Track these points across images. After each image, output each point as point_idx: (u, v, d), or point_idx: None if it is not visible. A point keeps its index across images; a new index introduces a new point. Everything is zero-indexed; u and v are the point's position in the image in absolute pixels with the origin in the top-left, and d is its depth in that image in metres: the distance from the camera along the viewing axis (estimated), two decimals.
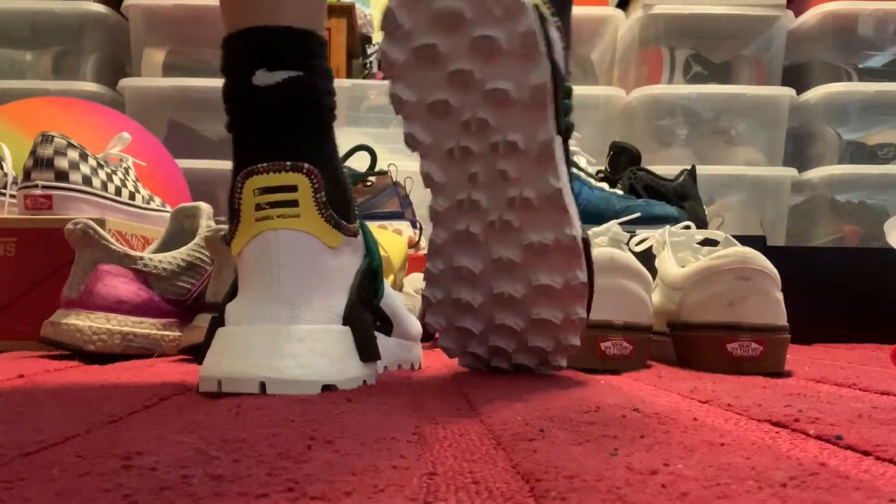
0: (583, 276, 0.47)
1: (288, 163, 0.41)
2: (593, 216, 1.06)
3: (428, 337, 0.69)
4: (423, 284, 0.53)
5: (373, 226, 0.51)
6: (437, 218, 0.50)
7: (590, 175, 1.18)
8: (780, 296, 0.61)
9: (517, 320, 0.50)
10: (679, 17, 1.62)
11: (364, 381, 0.44)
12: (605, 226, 0.66)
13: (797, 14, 1.63)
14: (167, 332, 0.70)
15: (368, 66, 1.91)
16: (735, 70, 1.68)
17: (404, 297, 0.87)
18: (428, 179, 0.49)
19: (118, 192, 0.90)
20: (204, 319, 0.64)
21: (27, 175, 0.81)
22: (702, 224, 1.16)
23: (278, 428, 0.28)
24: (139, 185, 0.95)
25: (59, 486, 0.20)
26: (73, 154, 0.83)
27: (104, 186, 0.87)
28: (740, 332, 0.59)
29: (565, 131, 0.47)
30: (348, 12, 1.76)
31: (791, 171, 1.59)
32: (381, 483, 0.20)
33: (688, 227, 0.76)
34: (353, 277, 0.45)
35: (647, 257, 0.70)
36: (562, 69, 0.48)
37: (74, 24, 1.57)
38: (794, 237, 1.64)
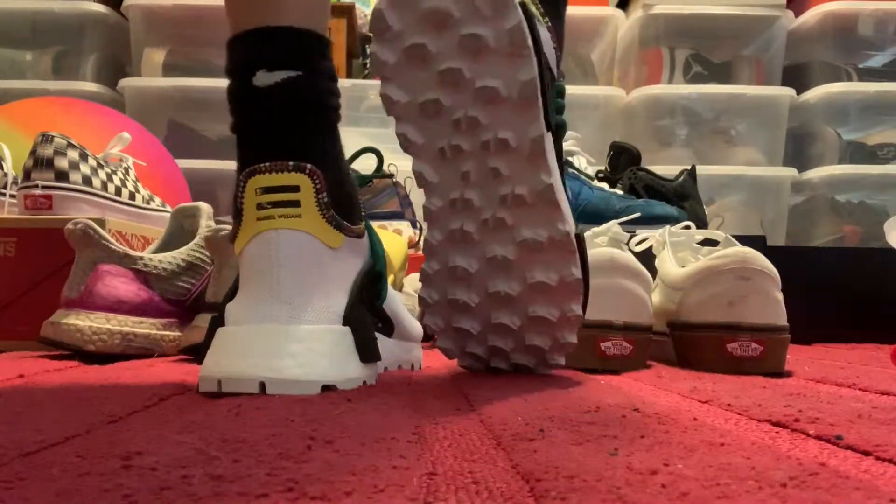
0: (577, 272, 0.47)
1: (290, 163, 0.41)
2: (593, 216, 1.06)
3: (428, 337, 0.69)
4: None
5: (373, 226, 0.51)
6: (432, 218, 0.50)
7: (589, 176, 1.18)
8: (780, 296, 0.61)
9: (514, 319, 0.50)
10: (679, 17, 1.62)
11: (364, 382, 0.44)
12: (605, 226, 0.66)
13: (797, 14, 1.63)
14: (167, 332, 0.70)
15: (368, 66, 1.91)
16: (735, 70, 1.68)
17: (404, 297, 0.87)
18: (421, 179, 0.49)
19: (118, 192, 0.90)
20: (204, 319, 0.64)
21: (27, 175, 0.81)
22: (702, 224, 1.16)
23: (278, 428, 0.28)
24: (139, 185, 0.95)
25: (59, 486, 0.20)
26: (73, 154, 0.83)
27: (104, 186, 0.87)
28: (740, 332, 0.59)
29: (556, 129, 0.47)
30: (348, 12, 1.76)
31: (791, 171, 1.59)
32: (381, 483, 0.20)
33: (688, 227, 0.76)
34: (354, 278, 0.45)
35: (647, 257, 0.70)
36: (553, 68, 0.48)
37: (74, 24, 1.57)
38: (794, 237, 1.64)
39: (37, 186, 0.81)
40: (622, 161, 1.26)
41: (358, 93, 1.59)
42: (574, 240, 0.47)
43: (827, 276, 1.13)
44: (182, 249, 0.73)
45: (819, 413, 0.35)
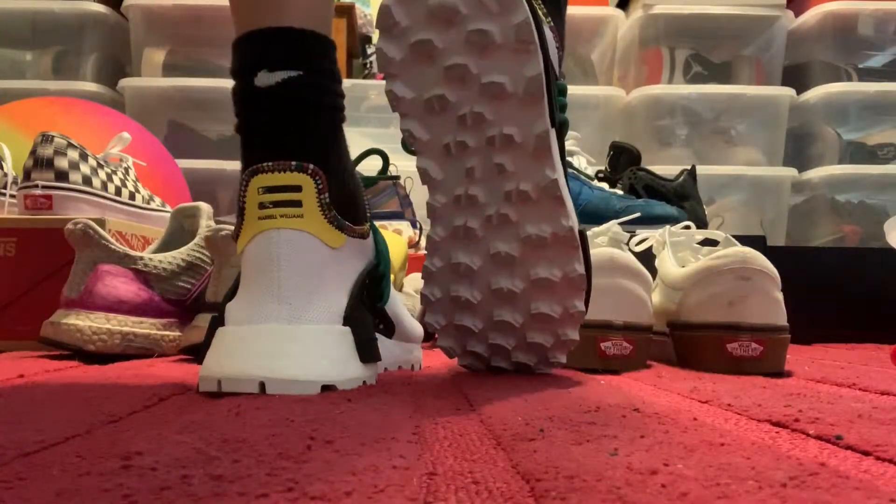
0: (580, 268, 0.47)
1: (293, 163, 0.42)
2: (593, 216, 1.06)
3: (428, 337, 0.69)
4: (422, 284, 0.53)
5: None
6: (435, 214, 0.50)
7: (588, 176, 1.18)
8: (780, 296, 0.61)
9: (516, 316, 0.50)
10: (679, 17, 1.62)
11: (364, 382, 0.44)
12: (605, 226, 0.66)
13: (797, 14, 1.63)
14: (167, 332, 0.70)
15: (368, 66, 1.91)
16: (735, 70, 1.68)
17: (404, 297, 0.87)
18: (425, 176, 0.49)
19: (118, 192, 0.90)
20: (204, 319, 0.64)
21: (27, 175, 0.81)
22: (702, 224, 1.16)
23: (278, 428, 0.28)
24: (139, 185, 0.95)
25: (59, 486, 0.20)
26: (73, 154, 0.83)
27: (104, 186, 0.87)
28: (740, 332, 0.59)
29: (560, 126, 0.48)
30: (348, 12, 1.76)
31: (791, 171, 1.59)
32: (381, 483, 0.20)
33: (688, 227, 0.76)
34: (355, 278, 0.45)
35: (647, 257, 0.70)
36: (555, 68, 0.48)
37: (74, 24, 1.57)
38: (794, 237, 1.64)
39: (37, 186, 0.81)
40: (622, 161, 1.26)
41: (358, 93, 1.58)
42: (577, 236, 0.47)
43: (827, 276, 1.13)
44: (182, 249, 0.73)
45: (819, 413, 0.35)
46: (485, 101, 0.45)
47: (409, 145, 0.49)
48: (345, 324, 0.42)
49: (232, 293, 0.43)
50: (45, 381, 0.46)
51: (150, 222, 0.93)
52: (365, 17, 1.96)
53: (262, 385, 0.38)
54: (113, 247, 0.67)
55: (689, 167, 1.27)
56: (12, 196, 0.87)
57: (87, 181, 0.84)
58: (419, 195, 0.49)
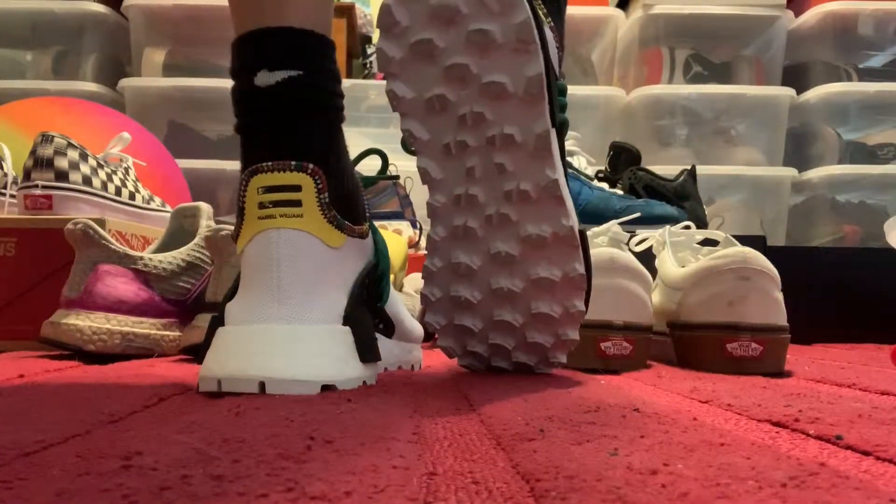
0: (581, 267, 0.47)
1: (293, 162, 0.42)
2: (593, 216, 1.06)
3: (428, 337, 0.69)
4: (422, 283, 0.53)
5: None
6: (435, 214, 0.50)
7: (588, 176, 1.18)
8: (780, 296, 0.61)
9: (516, 315, 0.50)
10: (679, 17, 1.62)
11: (364, 382, 0.44)
12: (605, 226, 0.66)
13: (797, 14, 1.63)
14: (167, 332, 0.70)
15: (368, 66, 1.91)
16: (735, 70, 1.68)
17: (404, 297, 0.87)
18: (425, 176, 0.49)
19: (118, 192, 0.90)
20: (204, 319, 0.64)
21: (27, 175, 0.81)
22: (702, 224, 1.16)
23: (278, 428, 0.28)
24: (139, 185, 0.95)
25: (59, 486, 0.20)
26: (73, 154, 0.83)
27: (104, 186, 0.87)
28: (740, 332, 0.59)
29: (560, 126, 0.48)
30: (348, 12, 1.76)
31: (791, 171, 1.59)
32: (381, 483, 0.20)
33: (688, 227, 0.76)
34: (355, 278, 0.45)
35: (647, 257, 0.70)
36: (555, 68, 0.48)
37: (74, 24, 1.57)
38: (794, 237, 1.64)
39: (37, 186, 0.81)
40: (622, 161, 1.26)
41: (358, 93, 1.58)
42: (577, 235, 0.47)
43: (827, 276, 1.13)
44: (182, 249, 0.73)
45: (819, 413, 0.35)
46: (485, 100, 0.45)
47: (409, 145, 0.49)
48: (345, 323, 0.42)
49: (232, 293, 0.43)
50: (45, 381, 0.46)
51: (150, 222, 0.93)
52: (365, 17, 1.96)
53: (262, 385, 0.38)
54: (113, 247, 0.67)
55: (689, 167, 1.27)
56: (12, 196, 0.87)
57: (87, 181, 0.84)
58: (419, 195, 0.49)
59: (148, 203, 0.95)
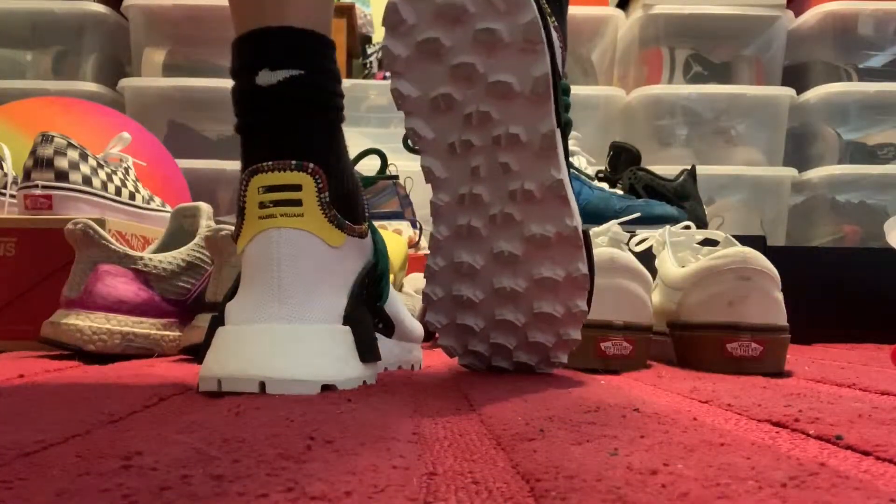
0: (584, 267, 0.47)
1: (293, 162, 0.42)
2: (593, 216, 1.06)
3: (429, 336, 0.69)
4: (423, 284, 0.53)
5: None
6: (438, 213, 0.50)
7: (589, 176, 1.18)
8: (780, 296, 0.61)
9: (518, 315, 0.50)
10: (679, 17, 1.62)
11: (364, 382, 0.44)
12: (605, 226, 0.66)
13: (797, 14, 1.63)
14: (167, 332, 0.70)
15: (368, 66, 1.91)
16: (735, 70, 1.68)
17: (405, 297, 0.87)
18: (429, 175, 0.49)
19: (118, 192, 0.90)
20: (204, 319, 0.64)
21: (27, 175, 0.81)
22: (702, 224, 1.16)
23: (278, 428, 0.28)
24: (139, 185, 0.95)
25: (59, 486, 0.20)
26: (73, 154, 0.83)
27: (104, 186, 0.87)
28: (740, 332, 0.59)
29: (564, 126, 0.48)
30: (348, 12, 1.76)
31: (791, 171, 1.59)
32: (381, 483, 0.20)
33: (688, 227, 0.76)
34: (355, 278, 0.45)
35: (647, 257, 0.70)
36: (559, 67, 0.48)
37: (74, 24, 1.57)
38: (794, 237, 1.64)
39: (37, 186, 0.81)
40: (622, 161, 1.26)
41: (358, 93, 1.58)
42: (581, 235, 0.47)
43: (827, 276, 1.13)
44: (182, 249, 0.73)
45: (819, 413, 0.35)
46: (491, 100, 0.45)
47: (413, 144, 0.49)
48: (345, 323, 0.42)
49: (232, 293, 0.43)
50: (45, 381, 0.46)
51: (150, 222, 0.93)
52: (365, 17, 1.96)
53: (262, 385, 0.38)
54: (113, 247, 0.67)
55: (689, 167, 1.27)
56: (12, 196, 0.87)
57: (87, 181, 0.84)
58: (419, 195, 0.49)
59: (148, 203, 0.95)
